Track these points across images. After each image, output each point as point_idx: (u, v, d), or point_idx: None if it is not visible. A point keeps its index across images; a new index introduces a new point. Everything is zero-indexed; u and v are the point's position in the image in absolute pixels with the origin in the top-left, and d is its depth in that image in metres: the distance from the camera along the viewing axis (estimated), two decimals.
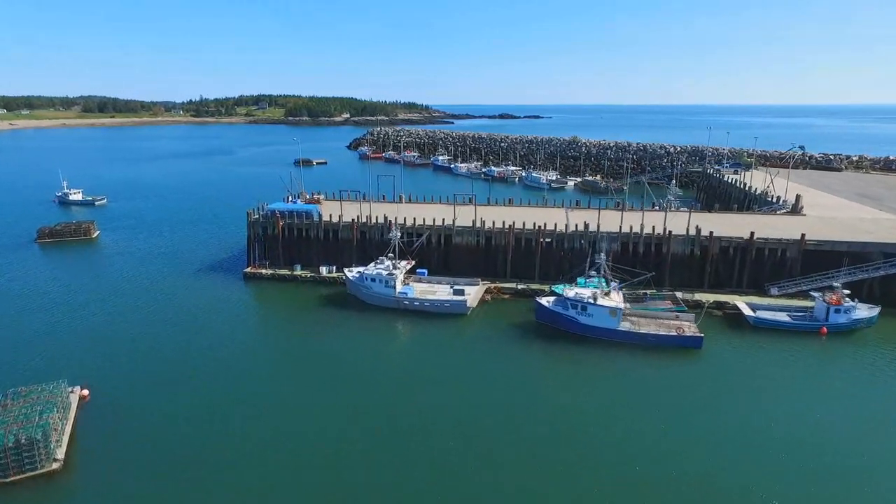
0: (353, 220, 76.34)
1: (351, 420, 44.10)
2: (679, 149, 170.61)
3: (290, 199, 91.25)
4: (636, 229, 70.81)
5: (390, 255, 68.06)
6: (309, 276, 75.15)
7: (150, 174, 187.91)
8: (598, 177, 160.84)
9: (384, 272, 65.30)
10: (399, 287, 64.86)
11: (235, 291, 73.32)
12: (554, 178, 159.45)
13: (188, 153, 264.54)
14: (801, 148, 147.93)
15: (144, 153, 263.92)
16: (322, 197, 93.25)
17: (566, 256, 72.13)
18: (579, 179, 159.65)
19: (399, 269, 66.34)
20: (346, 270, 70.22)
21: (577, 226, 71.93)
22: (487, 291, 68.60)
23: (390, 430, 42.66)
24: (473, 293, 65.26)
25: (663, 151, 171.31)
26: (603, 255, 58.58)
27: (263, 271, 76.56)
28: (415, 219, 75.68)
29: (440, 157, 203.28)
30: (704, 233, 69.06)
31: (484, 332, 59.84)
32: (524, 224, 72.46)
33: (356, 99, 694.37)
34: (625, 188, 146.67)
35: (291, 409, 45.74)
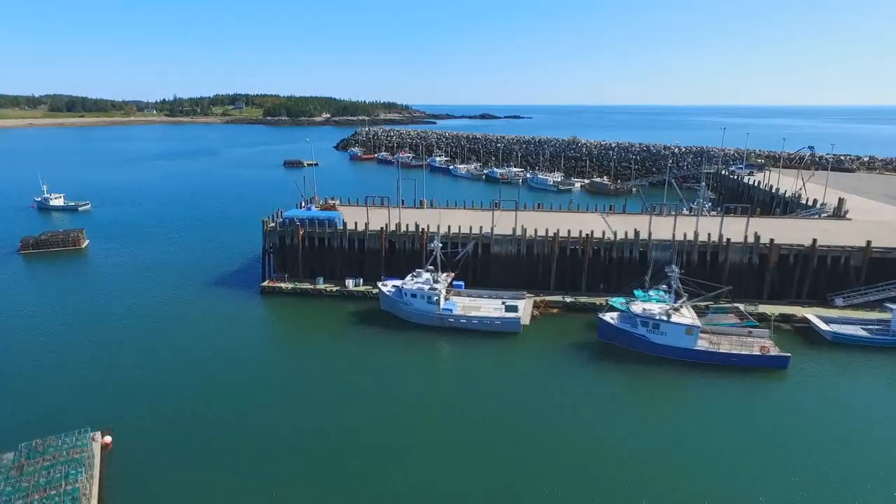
0: (381, 228, 70.12)
1: (398, 456, 38.81)
2: (684, 149, 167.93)
3: (303, 204, 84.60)
4: (682, 236, 66.13)
5: (430, 267, 62.15)
6: (334, 290, 68.68)
7: (135, 177, 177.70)
8: (605, 178, 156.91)
9: (426, 287, 59.37)
10: (443, 303, 59.02)
11: (253, 308, 66.51)
12: (559, 179, 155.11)
13: (171, 154, 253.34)
14: (811, 148, 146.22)
15: (124, 155, 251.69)
16: (337, 202, 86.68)
17: (614, 267, 67.20)
18: (586, 181, 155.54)
19: (441, 282, 60.50)
20: (380, 284, 64.01)
21: (626, 233, 67.00)
22: (535, 306, 63.21)
23: (441, 466, 37.07)
24: (524, 309, 59.77)
25: (668, 152, 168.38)
26: (676, 268, 53.52)
27: (283, 285, 69.77)
28: (449, 227, 69.84)
29: (437, 159, 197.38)
30: (757, 239, 64.93)
31: (541, 353, 54.36)
32: (569, 232, 67.26)
33: (335, 98, 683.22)
34: (634, 189, 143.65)
35: (334, 444, 40.09)
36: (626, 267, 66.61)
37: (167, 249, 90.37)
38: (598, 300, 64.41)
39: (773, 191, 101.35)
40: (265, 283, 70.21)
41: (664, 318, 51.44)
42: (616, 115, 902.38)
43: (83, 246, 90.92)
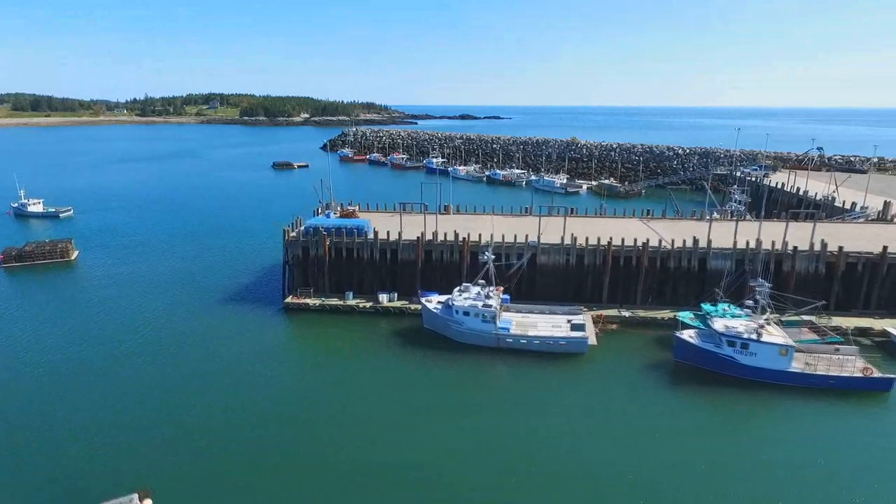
0: (417, 237, 64.08)
1: (459, 500, 33.70)
2: (688, 150, 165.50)
3: (320, 211, 78.01)
4: (728, 243, 61.71)
5: (481, 281, 56.43)
6: (368, 306, 62.40)
7: (116, 180, 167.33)
8: (612, 179, 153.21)
9: (479, 303, 53.63)
10: (499, 321, 53.38)
11: (278, 329, 59.89)
12: (564, 180, 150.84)
13: (150, 156, 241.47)
14: (820, 149, 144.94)
15: (101, 156, 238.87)
16: (356, 209, 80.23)
17: (670, 277, 62.49)
18: (594, 183, 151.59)
19: (494, 297, 54.85)
20: (423, 300, 58.00)
21: (685, 241, 62.34)
22: (593, 321, 58.01)
23: None
24: (588, 326, 54.47)
25: (672, 153, 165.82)
26: (763, 281, 48.77)
27: (309, 301, 63.19)
28: (492, 235, 64.19)
29: (434, 160, 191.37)
30: (824, 247, 60.96)
31: (611, 377, 49.16)
32: (623, 241, 62.28)
33: (313, 98, 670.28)
34: (643, 191, 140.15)
35: (388, 485, 34.74)
36: (684, 277, 62.03)
37: (168, 261, 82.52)
38: (659, 314, 59.68)
39: (801, 193, 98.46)
40: (290, 300, 63.47)
41: (754, 337, 46.75)
42: (592, 115, 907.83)
43: (73, 258, 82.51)
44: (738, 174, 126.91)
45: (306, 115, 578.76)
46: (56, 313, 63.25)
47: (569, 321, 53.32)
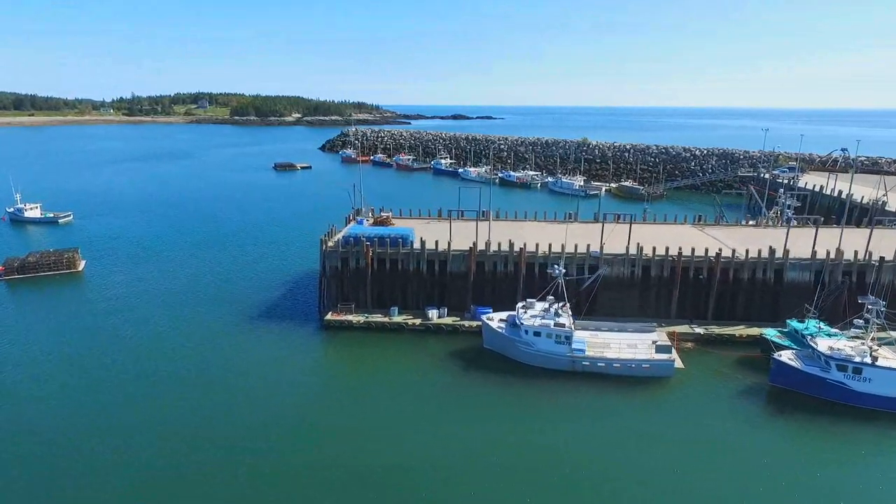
0: (470, 247, 58.77)
1: None
2: (705, 151, 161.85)
3: (353, 218, 72.49)
4: (803, 253, 57.36)
5: (550, 297, 51.31)
6: (417, 323, 56.98)
7: (113, 182, 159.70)
8: (630, 181, 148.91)
9: (551, 322, 48.53)
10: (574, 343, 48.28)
11: (320, 350, 54.38)
12: (581, 182, 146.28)
13: (144, 156, 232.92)
14: (845, 150, 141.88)
15: (93, 157, 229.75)
16: (390, 215, 74.70)
17: (742, 290, 57.82)
18: (613, 185, 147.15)
19: (565, 316, 49.80)
20: (484, 318, 52.72)
21: (760, 252, 57.71)
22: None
23: None
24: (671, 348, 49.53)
25: (688, 154, 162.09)
26: (877, 299, 44.09)
27: (352, 318, 57.63)
28: (550, 245, 59.07)
29: (442, 161, 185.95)
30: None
31: (705, 405, 44.34)
32: (693, 250, 57.49)
33: (304, 98, 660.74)
34: (665, 193, 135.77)
35: None
36: (760, 290, 57.43)
37: (185, 272, 76.29)
38: (736, 331, 54.99)
39: (844, 197, 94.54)
40: (331, 317, 57.80)
41: (868, 360, 42.17)
42: (582, 116, 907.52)
43: (80, 269, 76.04)
44: (766, 176, 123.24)
45: (298, 115, 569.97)
46: (66, 333, 57.02)
47: (653, 342, 48.23)
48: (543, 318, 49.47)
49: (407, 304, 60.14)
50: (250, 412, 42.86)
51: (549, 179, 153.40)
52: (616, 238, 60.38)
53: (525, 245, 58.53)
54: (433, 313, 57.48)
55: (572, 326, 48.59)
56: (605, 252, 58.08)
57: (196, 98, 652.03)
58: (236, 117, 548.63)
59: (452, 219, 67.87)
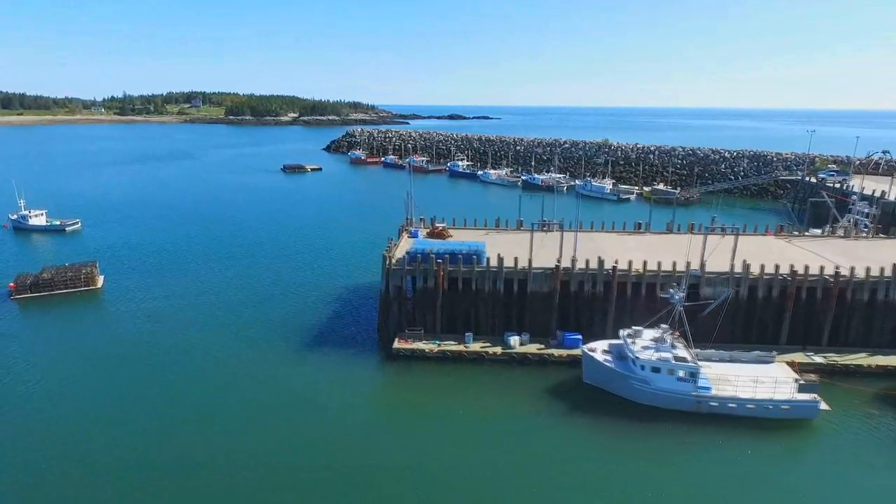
0: (556, 265, 52.07)
1: None
2: (736, 153, 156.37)
3: (405, 230, 65.63)
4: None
5: (663, 325, 44.80)
6: (498, 352, 50.20)
7: (117, 185, 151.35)
8: (662, 184, 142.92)
9: (670, 356, 42.04)
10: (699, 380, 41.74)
11: (390, 384, 47.78)
12: (610, 185, 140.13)
13: (143, 157, 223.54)
14: (886, 153, 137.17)
15: (90, 158, 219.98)
16: (444, 226, 67.91)
17: (859, 311, 51.62)
18: (646, 188, 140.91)
19: (682, 348, 43.34)
20: (586, 348, 46.09)
21: (882, 269, 51.48)
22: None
23: None
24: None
25: (717, 156, 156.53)
26: None
27: (423, 346, 50.75)
28: (645, 262, 52.51)
29: (459, 163, 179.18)
30: None
31: (861, 455, 38.03)
32: (807, 268, 51.16)
33: (299, 97, 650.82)
34: (698, 196, 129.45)
35: None
36: (881, 312, 51.25)
37: (216, 289, 68.88)
38: (868, 360, 48.74)
39: None
40: (399, 345, 50.87)
41: None
42: (581, 116, 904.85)
43: (99, 285, 68.53)
44: (813, 180, 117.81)
45: (294, 115, 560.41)
46: (90, 363, 49.80)
47: (796, 380, 41.63)
48: (658, 350, 42.97)
49: (481, 328, 53.40)
50: (314, 457, 36.37)
51: (577, 183, 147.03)
52: (697, 252, 53.81)
53: (617, 262, 51.99)
54: (515, 340, 50.77)
55: (696, 361, 42.08)
56: (705, 269, 51.67)
57: (189, 97, 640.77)
58: (231, 117, 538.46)
59: (534, 230, 60.49)
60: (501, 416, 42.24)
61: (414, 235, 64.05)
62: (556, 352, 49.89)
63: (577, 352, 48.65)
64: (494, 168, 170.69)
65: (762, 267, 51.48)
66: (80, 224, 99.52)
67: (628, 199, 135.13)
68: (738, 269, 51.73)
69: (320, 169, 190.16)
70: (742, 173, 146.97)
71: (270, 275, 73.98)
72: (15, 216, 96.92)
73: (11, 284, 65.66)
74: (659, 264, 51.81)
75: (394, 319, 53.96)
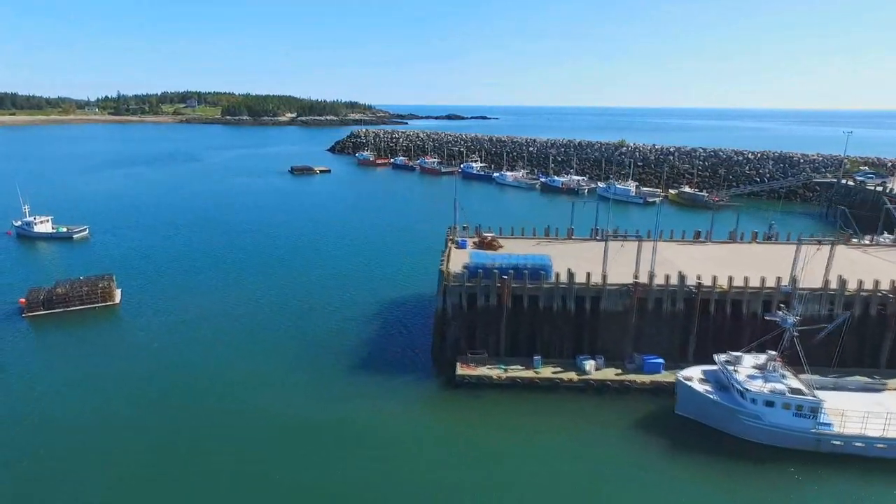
0: (634, 281, 47.23)
1: None
2: (759, 154, 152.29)
3: (452, 240, 60.62)
4: None
5: (770, 351, 40.06)
6: (574, 379, 45.31)
7: (122, 188, 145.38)
8: (689, 187, 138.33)
9: (784, 388, 37.30)
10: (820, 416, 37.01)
11: (458, 417, 42.50)
12: (633, 188, 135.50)
13: (145, 159, 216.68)
14: None
15: (89, 159, 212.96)
16: (493, 235, 62.94)
17: None
18: (673, 191, 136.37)
19: (793, 377, 38.63)
20: (680, 375, 41.28)
21: None
22: None
23: None
24: None
25: (741, 158, 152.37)
26: None
27: (490, 372, 45.80)
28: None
29: (473, 165, 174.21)
30: None
31: None
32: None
33: (296, 97, 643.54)
34: (728, 199, 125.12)
35: None
36: None
37: (247, 303, 63.49)
38: None
39: None
40: (463, 371, 45.88)
41: None
42: (578, 116, 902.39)
43: (116, 301, 63.10)
44: (849, 182, 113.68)
45: (292, 115, 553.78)
46: (114, 388, 44.73)
47: None
48: (768, 380, 38.24)
49: (548, 351, 48.49)
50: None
51: (600, 185, 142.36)
52: (770, 265, 49.06)
53: (700, 277, 47.23)
54: (590, 365, 45.91)
55: (815, 394, 37.34)
56: (798, 286, 46.98)
57: (184, 97, 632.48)
58: (228, 117, 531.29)
59: (607, 240, 54.76)
60: (589, 456, 37.46)
61: (462, 246, 59.08)
62: (638, 378, 45.08)
63: (662, 378, 43.99)
64: (510, 170, 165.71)
65: (860, 283, 46.89)
66: (88, 231, 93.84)
67: (654, 203, 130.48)
68: (834, 283, 47.13)
69: (329, 171, 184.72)
70: (768, 175, 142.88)
71: (301, 287, 68.76)
72: (19, 223, 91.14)
73: (22, 300, 60.22)
74: (746, 280, 47.11)
75: (451, 341, 48.98)
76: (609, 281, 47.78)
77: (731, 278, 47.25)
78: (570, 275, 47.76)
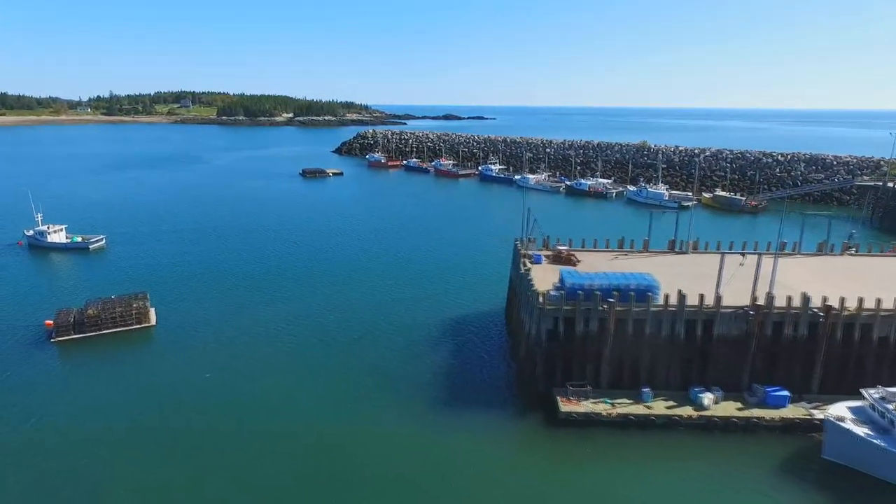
0: (752, 303, 42.25)
1: None
2: (790, 156, 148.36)
3: (525, 255, 55.37)
4: None
5: None
6: (693, 416, 40.24)
7: (131, 193, 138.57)
8: (723, 190, 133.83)
9: None
10: None
11: (568, 463, 37.29)
12: (665, 192, 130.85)
13: (148, 161, 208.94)
14: None
15: (90, 161, 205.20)
16: (570, 249, 57.74)
17: None
18: (707, 194, 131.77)
19: None
20: (829, 415, 36.30)
21: None
22: None
23: None
24: None
25: (770, 160, 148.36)
26: None
27: (599, 409, 40.61)
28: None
29: (492, 167, 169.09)
30: None
31: None
32: None
33: (292, 97, 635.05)
34: (765, 203, 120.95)
35: None
36: None
37: (291, 325, 57.73)
38: None
39: None
40: (566, 407, 40.69)
41: None
42: (574, 116, 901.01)
43: (152, 322, 57.25)
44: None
45: (289, 115, 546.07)
46: (157, 421, 39.22)
47: None
48: None
49: (653, 382, 43.42)
50: None
51: (629, 189, 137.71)
52: (883, 281, 44.47)
53: (827, 300, 42.32)
54: (708, 399, 40.89)
55: None
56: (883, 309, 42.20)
57: (179, 97, 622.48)
58: (224, 117, 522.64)
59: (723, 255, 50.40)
60: None
61: (537, 261, 53.91)
62: (766, 414, 40.09)
63: (791, 413, 39.11)
64: (532, 172, 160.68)
65: None
66: (104, 241, 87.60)
67: (688, 207, 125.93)
68: None
69: (341, 173, 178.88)
70: (800, 177, 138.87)
71: (346, 303, 63.31)
72: (31, 232, 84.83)
73: (48, 322, 54.35)
74: (878, 301, 42.28)
75: (544, 371, 43.78)
76: (723, 303, 42.81)
77: (860, 300, 42.41)
78: (682, 296, 42.70)
